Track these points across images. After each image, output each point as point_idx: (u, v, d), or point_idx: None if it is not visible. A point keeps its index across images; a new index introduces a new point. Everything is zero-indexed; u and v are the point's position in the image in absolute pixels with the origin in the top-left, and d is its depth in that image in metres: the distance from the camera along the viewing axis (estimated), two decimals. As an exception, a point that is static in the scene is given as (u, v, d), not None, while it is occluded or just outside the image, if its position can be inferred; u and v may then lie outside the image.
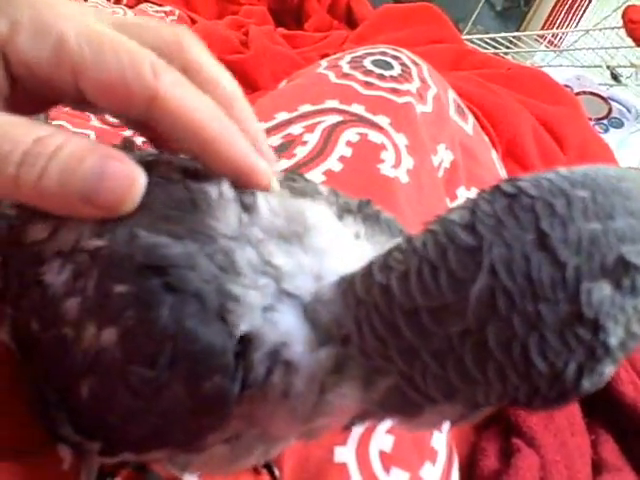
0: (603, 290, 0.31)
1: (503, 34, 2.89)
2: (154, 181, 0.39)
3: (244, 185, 0.40)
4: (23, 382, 0.42)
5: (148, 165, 0.39)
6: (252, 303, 0.36)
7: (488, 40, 2.93)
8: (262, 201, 0.40)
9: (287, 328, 0.36)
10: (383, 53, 0.83)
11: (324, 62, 0.85)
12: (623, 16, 2.32)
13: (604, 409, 1.00)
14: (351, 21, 1.85)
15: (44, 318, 0.39)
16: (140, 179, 0.37)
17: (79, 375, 0.37)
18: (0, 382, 0.44)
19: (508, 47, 2.96)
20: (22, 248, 0.41)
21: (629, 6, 2.34)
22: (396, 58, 0.83)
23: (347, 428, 0.40)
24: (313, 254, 0.38)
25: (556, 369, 0.32)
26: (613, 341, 0.32)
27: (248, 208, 0.39)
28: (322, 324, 0.36)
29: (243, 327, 0.36)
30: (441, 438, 0.66)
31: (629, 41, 2.41)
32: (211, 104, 0.39)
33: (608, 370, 0.33)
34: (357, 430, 0.60)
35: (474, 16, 3.48)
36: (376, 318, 0.34)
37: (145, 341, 0.35)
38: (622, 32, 2.47)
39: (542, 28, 3.68)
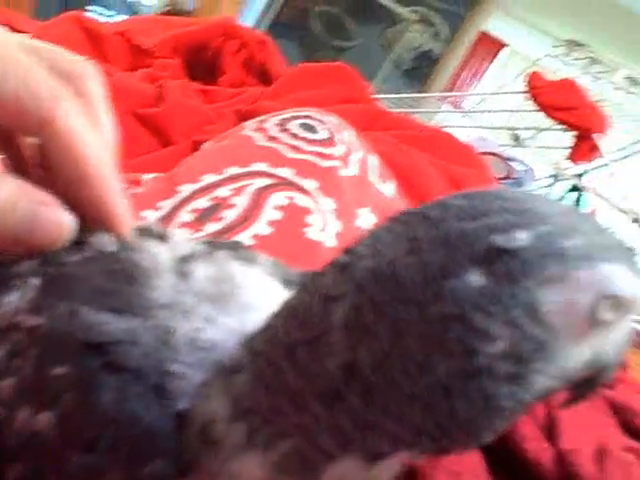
0: (472, 281, 0.29)
1: (410, 94, 2.99)
2: (88, 255, 0.38)
3: (106, 228, 0.40)
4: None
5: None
6: (190, 380, 0.34)
7: (394, 99, 3.02)
8: (198, 267, 0.39)
9: (217, 403, 0.35)
10: (308, 117, 0.83)
11: (249, 124, 0.84)
12: (527, 82, 2.44)
13: (508, 465, 1.00)
14: (265, 78, 1.85)
15: None
16: (69, 224, 0.38)
17: (9, 459, 0.34)
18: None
19: (412, 106, 3.06)
20: None
21: (533, 72, 2.47)
22: (321, 122, 0.83)
23: None
24: (239, 312, 0.37)
25: (429, 384, 0.29)
26: (489, 340, 0.29)
27: (184, 275, 0.38)
28: (235, 395, 0.34)
29: (180, 406, 0.34)
30: None
31: (531, 104, 2.53)
32: (99, 144, 0.40)
33: (493, 386, 0.30)
34: None
35: (381, 75, 3.59)
36: (264, 365, 0.33)
37: (85, 425, 0.33)
38: (522, 95, 2.60)
39: (444, 90, 3.83)
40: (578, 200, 3.05)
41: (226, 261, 0.41)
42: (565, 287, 0.31)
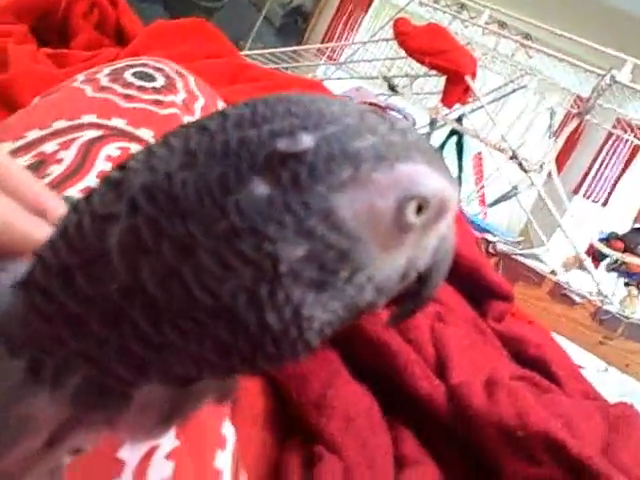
0: (257, 191, 0.28)
1: (282, 49, 2.95)
2: None
3: None
4: None
5: None
6: None
7: (269, 56, 2.97)
8: None
9: None
10: (144, 65, 0.79)
11: (80, 76, 0.79)
12: (393, 28, 2.44)
13: (402, 406, 1.02)
14: (121, 38, 1.78)
15: None
16: None
17: None
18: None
19: (289, 62, 3.03)
20: None
21: (398, 19, 2.47)
22: (159, 70, 0.79)
23: (51, 445, 0.34)
24: None
25: (222, 302, 0.28)
26: (285, 251, 0.28)
27: None
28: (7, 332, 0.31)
29: None
30: (225, 457, 0.63)
31: (402, 52, 2.54)
32: None
33: (299, 294, 0.28)
34: (133, 461, 0.55)
35: (253, 33, 3.53)
36: (38, 293, 0.30)
37: None
38: (395, 44, 2.60)
39: (321, 43, 3.81)
40: (459, 143, 3.12)
41: None
42: (361, 191, 0.29)
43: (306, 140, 0.29)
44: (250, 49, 3.29)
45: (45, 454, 0.34)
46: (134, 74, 0.78)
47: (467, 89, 2.43)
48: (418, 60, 2.36)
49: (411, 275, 0.34)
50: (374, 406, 1.00)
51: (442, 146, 3.13)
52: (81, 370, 0.30)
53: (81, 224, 0.29)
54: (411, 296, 0.36)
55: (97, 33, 1.75)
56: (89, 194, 0.30)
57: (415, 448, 0.95)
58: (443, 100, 2.43)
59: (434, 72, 2.57)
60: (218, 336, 0.28)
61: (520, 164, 2.36)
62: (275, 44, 3.64)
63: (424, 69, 2.69)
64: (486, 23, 2.97)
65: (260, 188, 0.28)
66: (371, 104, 2.65)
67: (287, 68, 2.94)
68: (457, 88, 2.37)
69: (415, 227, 0.31)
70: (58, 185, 0.62)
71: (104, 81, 0.76)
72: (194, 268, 0.27)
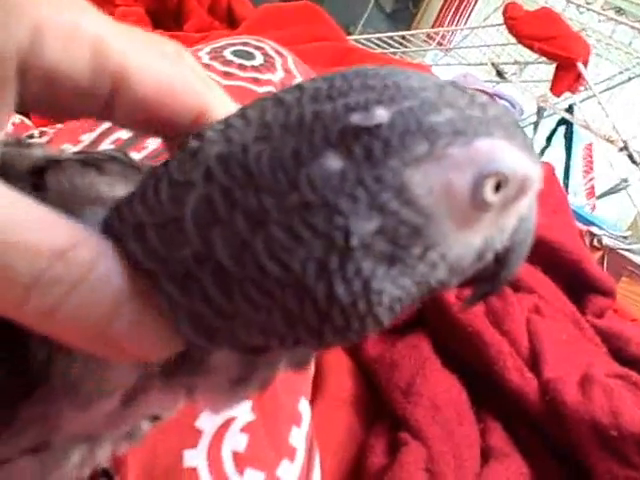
0: (330, 165, 0.27)
1: (389, 33, 2.92)
2: None
3: None
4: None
5: None
6: None
7: (377, 41, 2.96)
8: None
9: None
10: (245, 44, 0.81)
11: (183, 54, 0.81)
12: (503, 13, 2.38)
13: (492, 398, 1.00)
14: (232, 21, 1.82)
15: None
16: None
17: None
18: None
19: (398, 48, 3.00)
20: None
21: (508, 3, 2.41)
22: (258, 48, 0.81)
23: (123, 408, 0.35)
24: None
25: (291, 272, 0.27)
26: (357, 225, 0.27)
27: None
28: None
29: None
30: (300, 434, 0.64)
31: (512, 39, 2.47)
32: None
33: (369, 268, 0.28)
34: (209, 430, 0.57)
35: (364, 19, 3.51)
36: (116, 242, 0.30)
37: None
38: (505, 30, 2.54)
39: (431, 28, 3.75)
40: (568, 133, 3.01)
41: None
42: (437, 166, 0.29)
43: (380, 114, 0.29)
44: (360, 34, 3.28)
45: (120, 415, 0.35)
46: (234, 52, 0.79)
47: (578, 77, 2.33)
48: (527, 46, 2.29)
49: (487, 256, 0.33)
50: (463, 396, 0.99)
51: (550, 136, 3.02)
52: None
53: (158, 188, 0.29)
54: (488, 278, 0.35)
55: (209, 16, 1.78)
56: (168, 160, 0.30)
57: (502, 440, 0.94)
58: (552, 88, 2.35)
59: (545, 60, 2.48)
60: (286, 306, 0.29)
61: (630, 156, 2.25)
62: (385, 30, 3.61)
63: (534, 56, 2.61)
64: (602, 9, 2.84)
65: (333, 162, 0.28)
66: (478, 91, 2.59)
67: (395, 54, 2.92)
68: (567, 75, 2.28)
69: (493, 206, 0.30)
70: (154, 157, 0.64)
71: (205, 59, 0.78)
72: (265, 239, 0.27)
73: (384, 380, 0.96)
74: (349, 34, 2.87)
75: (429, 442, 0.85)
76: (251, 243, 0.27)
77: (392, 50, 2.93)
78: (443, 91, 0.31)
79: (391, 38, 2.90)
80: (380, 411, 0.95)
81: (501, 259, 0.34)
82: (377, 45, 2.94)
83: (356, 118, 0.28)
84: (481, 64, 2.90)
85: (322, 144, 0.28)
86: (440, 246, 0.30)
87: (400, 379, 0.96)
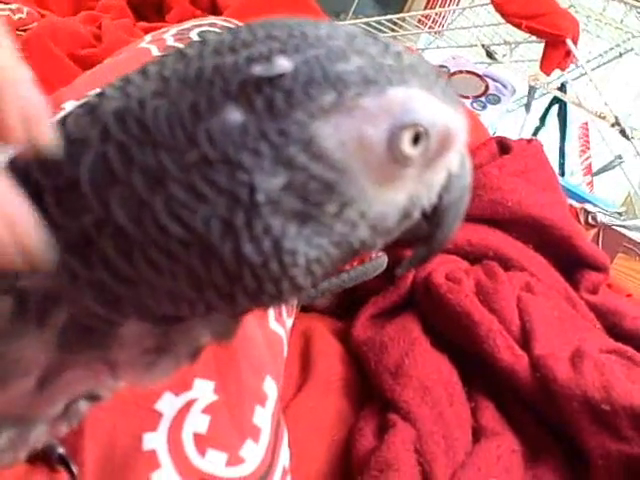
0: (230, 119, 0.26)
1: (377, 17, 2.90)
2: None
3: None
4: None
5: None
6: None
7: (366, 27, 2.93)
8: None
9: None
10: (212, 24, 0.80)
11: (148, 36, 0.80)
12: (490, -8, 2.35)
13: (483, 376, 0.99)
14: (216, 12, 1.80)
15: None
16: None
17: None
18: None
19: (392, 30, 2.98)
20: None
21: (495, -19, 2.37)
22: (227, 28, 0.79)
23: (41, 387, 0.34)
24: None
25: (194, 232, 0.26)
26: (262, 180, 0.26)
27: None
28: None
29: None
30: (265, 414, 0.63)
31: (501, 19, 2.45)
32: None
33: (278, 226, 0.27)
34: (169, 413, 0.56)
35: (354, 5, 3.49)
36: None
37: None
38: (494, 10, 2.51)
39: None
40: (563, 112, 2.98)
41: None
42: (347, 118, 0.28)
43: (283, 64, 0.28)
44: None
45: (40, 395, 0.34)
46: (200, 34, 0.78)
47: (568, 54, 2.30)
48: (515, 25, 2.26)
49: (414, 214, 0.32)
50: (453, 376, 0.98)
51: (544, 116, 2.99)
52: (64, 309, 0.30)
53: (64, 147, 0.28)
54: (424, 240, 0.34)
55: (192, 6, 1.77)
56: (65, 117, 0.29)
57: (494, 419, 0.93)
58: (542, 66, 2.32)
59: (535, 39, 2.46)
60: (192, 269, 0.27)
61: (623, 131, 2.22)
62: (377, 15, 3.59)
63: (525, 36, 2.58)
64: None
65: (233, 115, 0.27)
66: (469, 72, 2.57)
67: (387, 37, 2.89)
68: (556, 53, 2.25)
69: (414, 160, 0.29)
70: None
71: (170, 40, 0.77)
72: (165, 198, 0.26)
73: (373, 363, 0.96)
74: (339, 22, 2.85)
75: (418, 423, 0.84)
76: (150, 203, 0.26)
77: (382, 35, 2.91)
78: (354, 40, 0.29)
79: (380, 23, 2.88)
80: (370, 394, 0.94)
81: (434, 219, 0.33)
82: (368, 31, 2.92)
83: (257, 69, 0.27)
84: (472, 46, 2.87)
85: (221, 97, 0.27)
86: (358, 203, 0.28)
87: (389, 361, 0.95)
